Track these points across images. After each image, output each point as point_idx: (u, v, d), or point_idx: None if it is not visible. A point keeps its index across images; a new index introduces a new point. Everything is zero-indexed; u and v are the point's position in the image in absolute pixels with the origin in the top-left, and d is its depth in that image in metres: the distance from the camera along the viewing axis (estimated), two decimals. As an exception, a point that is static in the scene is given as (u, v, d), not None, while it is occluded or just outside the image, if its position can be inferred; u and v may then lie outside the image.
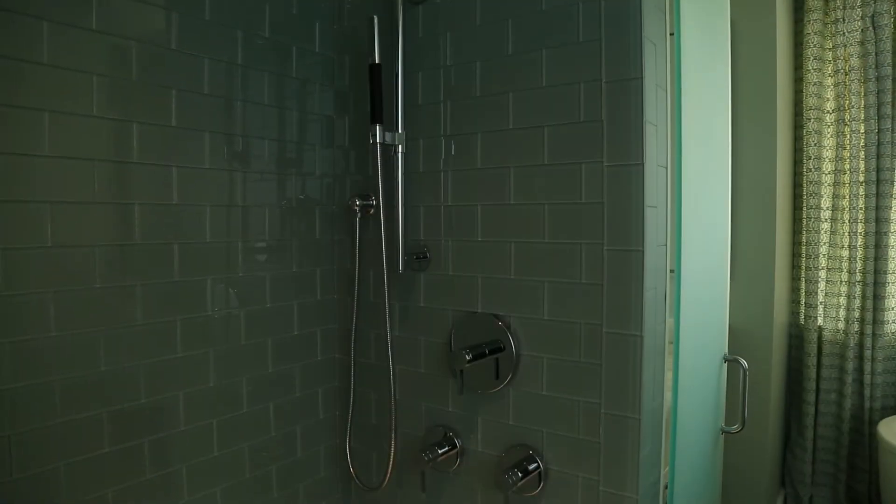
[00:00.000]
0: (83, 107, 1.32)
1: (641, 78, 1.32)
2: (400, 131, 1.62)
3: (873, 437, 2.38)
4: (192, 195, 1.52)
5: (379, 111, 1.56)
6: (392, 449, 1.64)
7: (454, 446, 1.63)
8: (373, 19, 1.57)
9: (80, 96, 1.31)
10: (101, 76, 1.34)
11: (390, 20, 1.63)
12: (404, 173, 1.64)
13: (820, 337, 2.55)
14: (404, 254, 1.63)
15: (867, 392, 2.41)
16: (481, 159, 1.55)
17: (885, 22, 2.35)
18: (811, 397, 2.51)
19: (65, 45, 1.28)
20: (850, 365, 2.44)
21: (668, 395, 1.48)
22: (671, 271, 1.46)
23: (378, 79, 1.57)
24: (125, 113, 1.38)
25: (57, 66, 1.26)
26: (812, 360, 2.51)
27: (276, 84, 1.71)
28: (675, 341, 1.45)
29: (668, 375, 1.48)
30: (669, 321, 1.47)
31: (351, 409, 1.79)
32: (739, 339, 2.33)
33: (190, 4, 1.50)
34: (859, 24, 2.41)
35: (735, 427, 1.89)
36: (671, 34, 1.45)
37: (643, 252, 1.33)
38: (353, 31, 1.83)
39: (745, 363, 1.85)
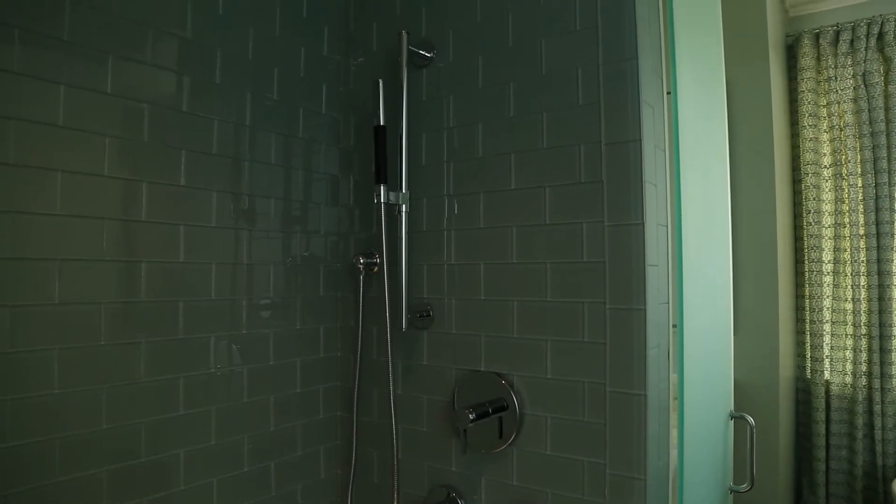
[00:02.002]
0: (95, 167, 1.35)
1: (640, 140, 1.35)
2: (404, 191, 1.65)
3: (888, 494, 2.32)
4: (198, 253, 1.54)
5: (383, 171, 1.60)
6: (394, 510, 1.61)
7: (457, 507, 1.60)
8: (378, 83, 1.62)
9: (93, 157, 1.34)
10: (114, 137, 1.38)
11: (395, 83, 1.68)
12: (408, 232, 1.66)
13: (827, 391, 2.52)
14: (407, 312, 1.64)
15: (879, 448, 2.37)
16: (484, 219, 1.58)
17: (876, 80, 2.42)
18: (821, 454, 2.47)
19: (80, 108, 1.32)
20: (860, 420, 2.41)
21: (673, 453, 1.47)
22: (674, 326, 1.46)
23: (383, 140, 1.61)
24: (135, 173, 1.42)
25: (72, 128, 1.30)
26: (821, 416, 2.48)
27: (282, 144, 1.75)
28: (680, 398, 1.44)
29: (674, 433, 1.46)
30: (673, 377, 1.46)
31: (353, 468, 1.76)
32: (745, 395, 2.30)
33: (201, 68, 1.56)
34: (851, 81, 2.48)
35: (744, 486, 1.85)
36: (668, 93, 1.49)
37: (645, 310, 1.33)
38: (358, 93, 1.89)
39: (751, 420, 1.83)
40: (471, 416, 1.43)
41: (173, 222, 1.49)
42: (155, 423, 1.45)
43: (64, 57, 1.29)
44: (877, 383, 2.39)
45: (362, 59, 1.89)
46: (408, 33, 1.64)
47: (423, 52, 1.69)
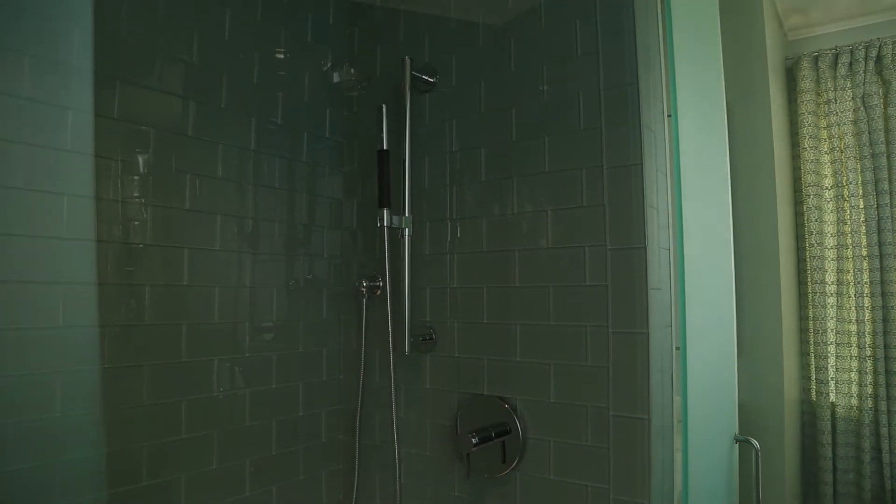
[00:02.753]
0: (102, 191, 1.36)
1: (641, 163, 1.36)
2: (407, 215, 1.65)
3: (896, 520, 2.29)
4: (201, 277, 1.54)
5: (386, 195, 1.61)
6: (397, 535, 1.60)
7: (461, 533, 1.59)
8: (381, 108, 1.64)
9: (100, 181, 1.36)
10: (120, 161, 1.39)
11: (398, 108, 1.70)
12: (411, 255, 1.67)
13: (833, 414, 2.50)
14: (410, 335, 1.63)
15: (887, 472, 2.34)
16: (486, 242, 1.58)
17: (875, 102, 2.43)
18: (829, 477, 2.44)
19: (87, 133, 1.33)
20: (867, 443, 2.38)
21: (678, 478, 1.45)
22: (677, 349, 1.46)
23: (386, 164, 1.62)
24: (140, 196, 1.43)
25: (79, 153, 1.32)
26: (827, 439, 2.46)
27: (286, 168, 1.77)
28: (684, 421, 1.43)
29: (678, 457, 1.45)
30: (677, 400, 1.46)
31: (355, 493, 1.75)
32: (750, 418, 2.28)
33: (207, 93, 1.57)
34: (850, 104, 2.50)
35: (750, 511, 1.83)
36: (668, 116, 1.50)
37: (648, 334, 1.33)
38: (361, 117, 1.91)
39: (756, 443, 1.81)
40: (474, 441, 1.42)
41: (177, 245, 1.50)
42: (157, 447, 1.44)
43: (72, 82, 1.31)
44: (883, 405, 2.37)
45: (366, 83, 1.91)
46: (411, 59, 1.66)
47: (425, 77, 1.71)
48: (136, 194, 1.42)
